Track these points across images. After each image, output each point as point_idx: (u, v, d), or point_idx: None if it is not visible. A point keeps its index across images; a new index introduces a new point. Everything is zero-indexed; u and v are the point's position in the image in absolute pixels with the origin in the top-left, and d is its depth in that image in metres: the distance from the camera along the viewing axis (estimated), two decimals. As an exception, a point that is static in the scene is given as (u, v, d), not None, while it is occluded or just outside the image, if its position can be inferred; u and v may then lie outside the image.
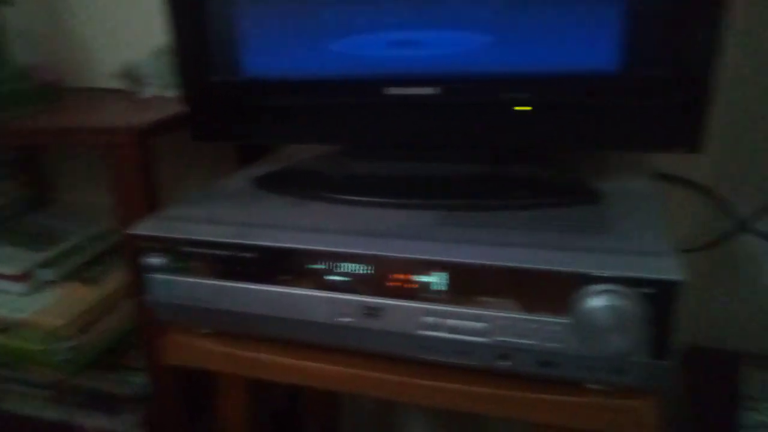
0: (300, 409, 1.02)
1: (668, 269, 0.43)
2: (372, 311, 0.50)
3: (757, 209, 0.71)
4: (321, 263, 0.51)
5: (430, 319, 0.49)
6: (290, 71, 0.62)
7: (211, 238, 0.54)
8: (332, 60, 0.60)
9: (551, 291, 0.45)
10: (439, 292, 0.48)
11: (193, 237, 0.54)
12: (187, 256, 0.55)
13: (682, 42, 0.51)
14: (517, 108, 0.56)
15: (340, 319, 0.52)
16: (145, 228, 0.57)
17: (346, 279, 0.50)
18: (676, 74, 0.52)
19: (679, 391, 0.71)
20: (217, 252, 0.54)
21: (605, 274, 0.43)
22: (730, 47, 0.71)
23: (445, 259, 0.47)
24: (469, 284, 0.47)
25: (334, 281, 0.51)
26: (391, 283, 0.49)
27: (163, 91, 0.84)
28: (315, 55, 0.60)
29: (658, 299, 0.43)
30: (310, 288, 0.52)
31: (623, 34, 0.52)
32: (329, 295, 0.51)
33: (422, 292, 0.49)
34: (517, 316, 0.46)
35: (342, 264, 0.50)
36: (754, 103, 0.72)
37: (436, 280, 0.48)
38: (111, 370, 0.86)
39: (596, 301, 0.43)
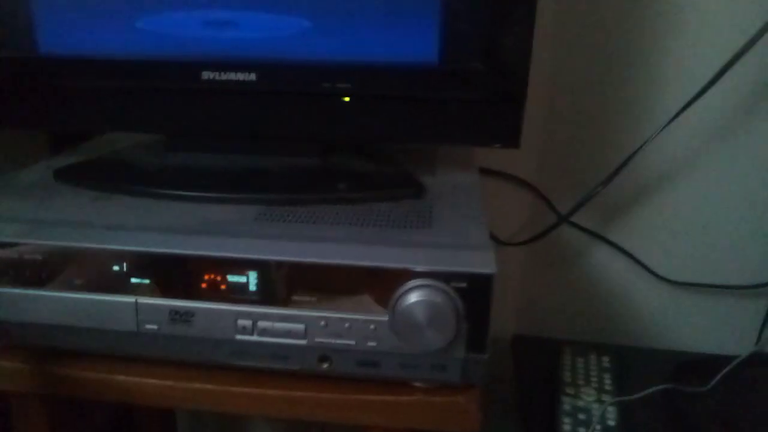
0: (132, 426, 0.94)
1: (481, 263, 0.43)
2: (181, 316, 0.46)
3: (575, 203, 0.75)
4: (121, 264, 0.46)
5: (246, 323, 0.45)
6: (93, 49, 0.55)
7: (-12, 239, 0.46)
8: (141, 38, 0.54)
9: (369, 288, 0.44)
10: (254, 292, 0.45)
11: (-35, 237, 0.47)
12: (-41, 260, 0.47)
13: (497, 36, 0.51)
14: (336, 97, 0.54)
15: (147, 326, 0.47)
16: None
17: (149, 281, 0.45)
18: (492, 68, 0.52)
19: (506, 379, 0.73)
20: (-2, 254, 0.47)
21: (419, 269, 0.42)
22: (549, 45, 0.74)
23: (257, 257, 0.44)
24: (285, 284, 0.45)
25: (137, 284, 0.46)
26: (203, 285, 0.45)
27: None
28: (122, 32, 0.54)
29: (472, 293, 0.42)
30: (111, 293, 0.46)
31: (441, 26, 0.51)
32: (132, 299, 0.46)
33: (236, 294, 0.45)
34: (333, 315, 0.44)
35: (146, 265, 0.45)
36: (571, 101, 0.76)
37: (250, 279, 0.45)
38: None
39: (410, 297, 0.42)
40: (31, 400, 0.58)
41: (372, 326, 0.44)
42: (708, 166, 0.76)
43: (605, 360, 0.69)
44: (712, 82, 0.67)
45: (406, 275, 0.42)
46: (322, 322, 0.44)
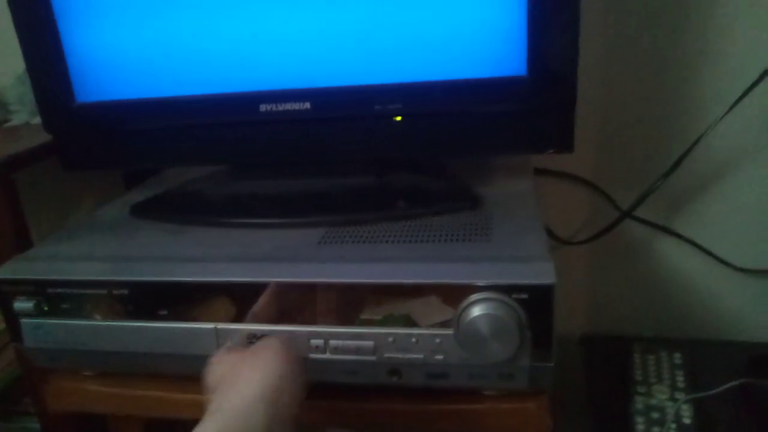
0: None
1: (541, 274, 0.44)
2: (258, 339, 0.49)
3: (636, 197, 0.74)
4: (202, 293, 0.49)
5: (318, 342, 0.48)
6: (158, 92, 0.59)
7: (80, 278, 0.51)
8: (204, 80, 0.57)
9: (438, 303, 0.45)
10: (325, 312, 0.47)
11: (61, 277, 0.51)
12: (57, 297, 0.52)
13: (545, 45, 0.52)
14: (388, 118, 0.56)
15: (227, 350, 0.50)
16: (9, 271, 0.53)
17: (228, 308, 0.49)
18: (541, 77, 0.53)
19: (576, 378, 0.73)
20: (89, 291, 0.51)
21: (480, 283, 0.43)
22: (602, 44, 0.73)
23: (326, 280, 0.47)
24: (353, 302, 0.47)
25: (216, 310, 0.49)
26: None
27: (32, 118, 0.79)
28: (181, 75, 0.58)
29: (534, 304, 0.43)
30: (192, 321, 0.50)
31: (490, 42, 0.52)
32: (212, 326, 0.49)
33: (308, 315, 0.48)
34: (400, 331, 0.46)
35: (221, 294, 0.49)
36: (625, 97, 0.75)
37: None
38: (5, 418, 0.80)
39: (474, 311, 0.43)
40: (126, 420, 0.62)
41: (438, 340, 0.45)
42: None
43: (677, 356, 0.68)
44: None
45: (469, 290, 0.44)
46: (390, 339, 0.46)
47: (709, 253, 0.78)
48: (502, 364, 0.45)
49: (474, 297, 0.44)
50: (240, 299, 0.48)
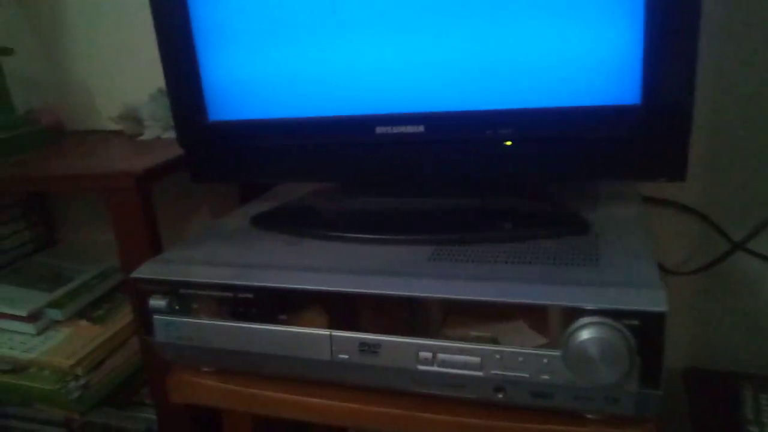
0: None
1: (653, 300, 0.44)
2: (369, 347, 0.52)
3: (749, 229, 0.72)
4: (316, 302, 0.52)
5: (427, 354, 0.50)
6: (282, 112, 0.64)
7: (208, 280, 0.55)
8: (325, 102, 0.62)
9: (541, 323, 0.46)
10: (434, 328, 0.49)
11: (192, 279, 0.56)
12: (187, 298, 0.57)
13: (659, 73, 0.52)
14: (498, 142, 0.57)
15: (339, 356, 0.53)
16: (146, 272, 0.59)
17: (342, 316, 0.52)
18: (654, 105, 0.53)
19: (681, 414, 0.71)
20: (216, 293, 0.55)
21: (590, 307, 0.44)
22: (709, 74, 0.72)
23: (438, 296, 0.49)
24: (461, 319, 0.49)
25: (331, 319, 0.52)
26: (388, 320, 0.51)
27: (163, 133, 0.86)
28: (304, 98, 0.62)
29: (643, 330, 0.43)
30: (308, 326, 0.53)
31: (603, 70, 0.53)
32: (327, 332, 0.52)
33: (419, 327, 0.50)
34: (507, 349, 0.47)
35: (337, 302, 0.52)
36: (734, 127, 0.73)
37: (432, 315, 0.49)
38: (123, 407, 0.87)
39: (583, 334, 0.44)
40: (238, 416, 0.66)
41: (545, 360, 0.46)
42: None
43: (791, 396, 0.65)
44: None
45: (574, 312, 0.45)
46: (497, 356, 0.48)
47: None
48: (608, 388, 0.46)
49: (584, 320, 0.44)
50: (354, 309, 0.51)
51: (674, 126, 0.54)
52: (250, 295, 0.54)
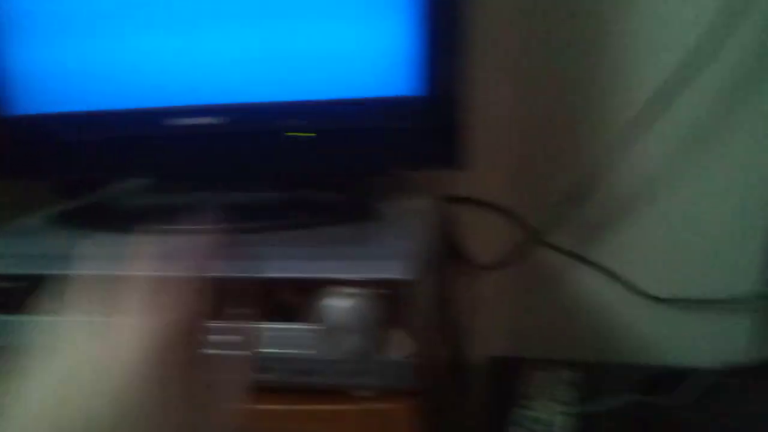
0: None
1: (402, 270, 0.46)
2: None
3: (550, 225, 0.76)
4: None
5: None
6: (76, 106, 0.62)
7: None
8: (111, 95, 0.61)
9: (302, 298, 0.47)
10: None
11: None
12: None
13: (439, 69, 0.56)
14: (292, 134, 0.59)
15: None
16: None
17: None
18: (437, 98, 0.56)
19: (480, 398, 0.73)
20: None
21: (340, 277, 0.45)
22: (515, 70, 0.77)
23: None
24: (225, 299, 0.48)
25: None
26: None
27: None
28: (97, 91, 0.61)
29: (395, 298, 0.45)
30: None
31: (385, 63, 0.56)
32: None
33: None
34: (271, 326, 0.47)
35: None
36: (535, 123, 0.79)
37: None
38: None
39: (334, 303, 0.45)
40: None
41: (308, 334, 0.47)
42: (685, 178, 0.76)
43: (574, 376, 0.69)
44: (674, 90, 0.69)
45: (325, 283, 0.46)
46: (263, 333, 0.47)
47: (621, 281, 0.80)
48: (364, 359, 0.47)
49: (336, 290, 0.45)
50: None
51: (453, 117, 0.57)
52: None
